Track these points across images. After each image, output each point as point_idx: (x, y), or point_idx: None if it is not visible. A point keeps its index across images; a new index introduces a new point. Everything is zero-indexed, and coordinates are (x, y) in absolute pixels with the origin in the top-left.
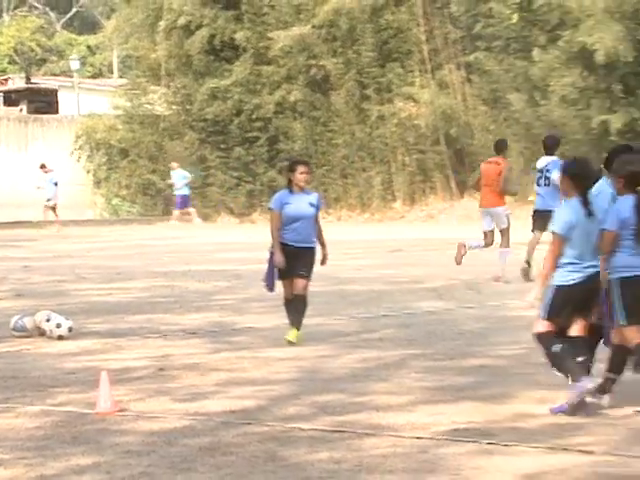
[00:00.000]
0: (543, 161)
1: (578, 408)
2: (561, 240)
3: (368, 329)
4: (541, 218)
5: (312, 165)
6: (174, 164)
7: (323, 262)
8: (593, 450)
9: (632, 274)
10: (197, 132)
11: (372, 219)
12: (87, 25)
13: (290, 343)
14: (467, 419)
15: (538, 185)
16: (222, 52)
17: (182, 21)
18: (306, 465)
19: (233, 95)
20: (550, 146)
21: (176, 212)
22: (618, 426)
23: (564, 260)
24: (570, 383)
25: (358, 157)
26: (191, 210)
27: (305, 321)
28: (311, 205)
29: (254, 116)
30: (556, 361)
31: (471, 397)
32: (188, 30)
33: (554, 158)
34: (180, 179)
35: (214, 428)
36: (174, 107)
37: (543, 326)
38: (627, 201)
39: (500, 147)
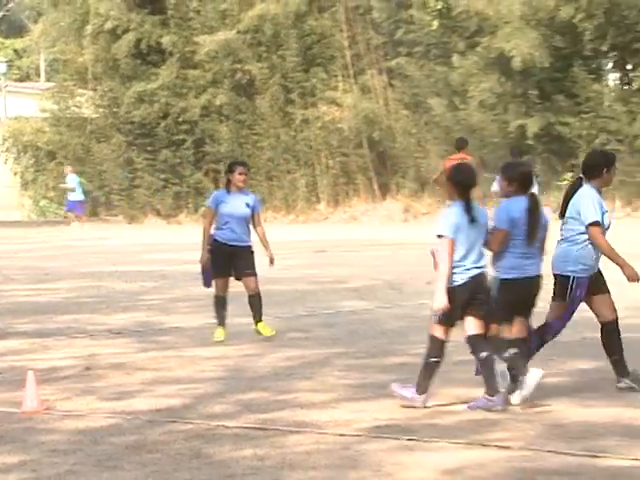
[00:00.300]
0: None
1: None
2: (452, 242)
3: (292, 328)
4: None
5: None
6: (68, 168)
7: (271, 263)
8: (510, 445)
9: (515, 276)
10: (124, 135)
11: (297, 220)
12: (14, 29)
13: (269, 337)
14: (388, 416)
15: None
16: (149, 56)
17: (109, 25)
18: (230, 462)
19: (160, 98)
20: (515, 153)
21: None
22: (534, 422)
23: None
24: (415, 388)
25: (283, 160)
26: (71, 215)
27: (230, 321)
28: (247, 205)
29: (180, 119)
30: (425, 365)
31: (392, 395)
32: (115, 34)
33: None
34: (74, 183)
35: (140, 426)
36: (101, 110)
37: (435, 329)
38: (519, 202)
39: (461, 145)
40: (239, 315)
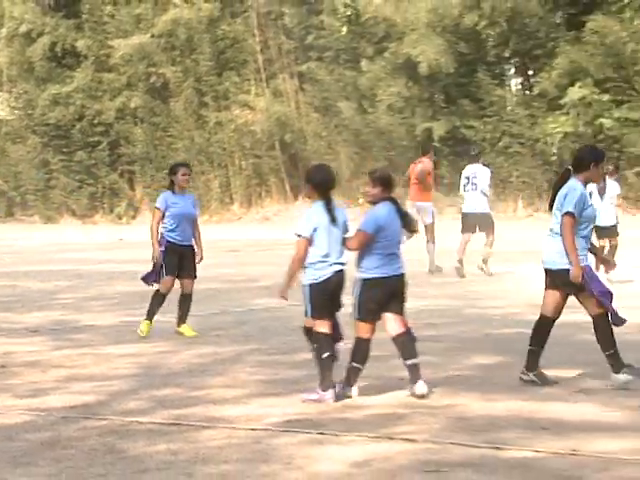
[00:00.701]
0: (470, 169)
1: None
2: (306, 242)
3: (205, 326)
4: (469, 219)
5: (152, 168)
6: None
7: (200, 261)
8: (416, 438)
9: (374, 276)
10: (40, 136)
11: (210, 221)
12: None
13: (190, 337)
14: (299, 410)
15: (465, 190)
16: (64, 59)
17: (24, 29)
18: (144, 457)
19: (75, 101)
20: (474, 155)
21: None
22: (438, 415)
23: (312, 260)
24: (319, 387)
25: (197, 161)
26: None
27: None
28: (193, 206)
29: (96, 121)
30: (320, 363)
31: (303, 390)
32: (30, 37)
33: (479, 165)
34: None
35: (54, 423)
36: (16, 112)
37: (310, 323)
38: (385, 207)
39: (426, 149)
40: None
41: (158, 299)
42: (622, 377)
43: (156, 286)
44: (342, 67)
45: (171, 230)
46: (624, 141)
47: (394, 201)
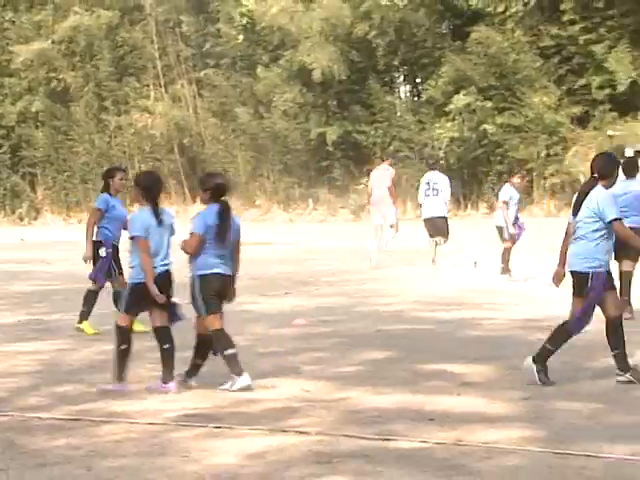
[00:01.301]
0: (429, 175)
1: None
2: (144, 241)
3: (107, 323)
4: (431, 223)
5: (53, 171)
6: None
7: None
8: (309, 431)
9: (208, 272)
10: None
11: None
12: None
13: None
14: (196, 405)
15: (426, 196)
16: None
17: None
18: (44, 451)
19: None
20: (433, 163)
21: None
22: (331, 409)
23: (136, 261)
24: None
25: (97, 164)
26: None
27: (46, 317)
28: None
29: None
30: (117, 357)
31: (200, 385)
32: None
33: (437, 172)
34: None
35: None
36: None
37: (123, 320)
38: (213, 209)
39: (384, 157)
40: (53, 312)
41: (94, 297)
42: (622, 379)
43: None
44: (239, 74)
45: (111, 232)
46: (506, 146)
47: (224, 204)
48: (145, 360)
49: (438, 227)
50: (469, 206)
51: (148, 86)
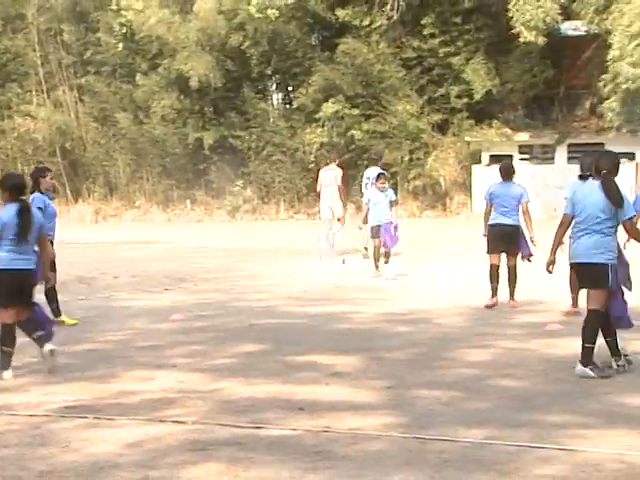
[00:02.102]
0: (370, 171)
1: None
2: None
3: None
4: None
5: None
6: None
7: None
8: (185, 420)
9: (8, 268)
10: None
11: None
12: None
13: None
14: (77, 397)
15: (366, 189)
16: None
17: None
18: None
19: None
20: (376, 159)
21: None
22: (207, 399)
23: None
24: None
25: None
26: None
27: None
28: None
29: None
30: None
31: (80, 378)
32: None
33: (378, 168)
34: None
35: None
36: None
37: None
38: (12, 208)
39: (333, 158)
40: None
41: (54, 295)
42: (586, 370)
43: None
44: (119, 81)
45: (50, 228)
46: (373, 151)
47: (23, 202)
48: (25, 354)
49: None
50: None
51: (31, 92)
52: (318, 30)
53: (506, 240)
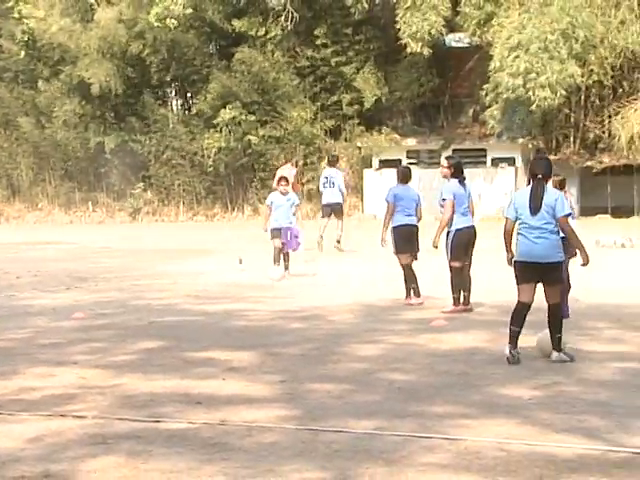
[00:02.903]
0: (328, 171)
1: None
2: None
3: None
4: (328, 208)
5: None
6: None
7: None
8: (86, 415)
9: None
10: None
11: None
12: None
13: None
14: None
15: (324, 187)
16: None
17: None
18: None
19: None
20: (332, 161)
21: None
22: (106, 394)
23: None
24: None
25: None
26: None
27: None
28: None
29: None
30: None
31: None
32: None
33: (334, 169)
34: None
35: None
36: None
37: None
38: None
39: (288, 159)
40: None
41: None
42: (561, 355)
43: None
44: (21, 86)
45: None
46: (268, 155)
47: None
48: None
49: (335, 210)
50: (236, 209)
51: None
52: (215, 39)
53: (413, 240)
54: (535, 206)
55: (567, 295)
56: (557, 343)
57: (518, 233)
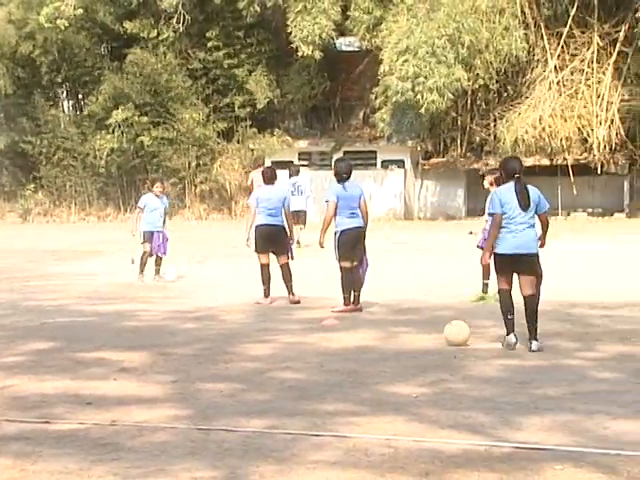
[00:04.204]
0: (294, 179)
1: None
2: None
3: None
4: (296, 215)
5: None
6: None
7: None
8: None
9: None
10: None
11: None
12: None
13: None
14: None
15: (292, 195)
16: None
17: None
18: None
19: None
20: (296, 171)
21: None
22: None
23: None
24: None
25: None
26: None
27: None
28: None
29: None
30: None
31: None
32: None
33: (301, 177)
34: None
35: None
36: None
37: None
38: None
39: (260, 163)
40: None
41: None
42: (539, 344)
43: None
44: None
45: None
46: (161, 156)
47: None
48: None
49: (299, 216)
50: (128, 210)
51: None
52: (107, 41)
53: (273, 240)
54: (526, 203)
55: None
56: (534, 333)
57: (502, 227)
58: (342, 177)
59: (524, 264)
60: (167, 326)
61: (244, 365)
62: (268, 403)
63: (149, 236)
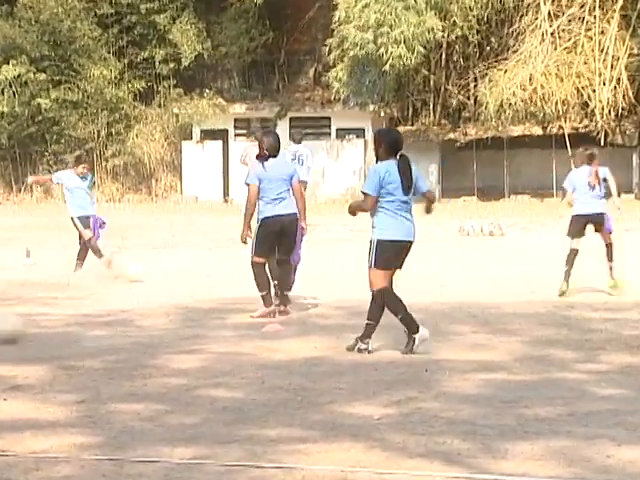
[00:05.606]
0: (295, 147)
1: None
2: None
3: None
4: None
5: None
6: None
7: None
8: None
9: None
10: None
11: None
12: None
13: None
14: None
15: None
16: None
17: None
18: None
19: None
20: (299, 138)
21: None
22: None
23: None
24: None
25: None
26: None
27: None
28: None
29: None
30: None
31: None
32: None
33: (302, 145)
34: None
35: None
36: None
37: None
38: None
39: (257, 137)
40: None
41: None
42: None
43: None
44: None
45: None
46: (63, 123)
47: None
48: None
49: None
50: (22, 190)
51: None
52: None
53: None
54: (409, 184)
55: None
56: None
57: (385, 209)
58: (263, 155)
59: (405, 253)
60: (71, 333)
61: (167, 381)
62: (197, 428)
63: (86, 221)
